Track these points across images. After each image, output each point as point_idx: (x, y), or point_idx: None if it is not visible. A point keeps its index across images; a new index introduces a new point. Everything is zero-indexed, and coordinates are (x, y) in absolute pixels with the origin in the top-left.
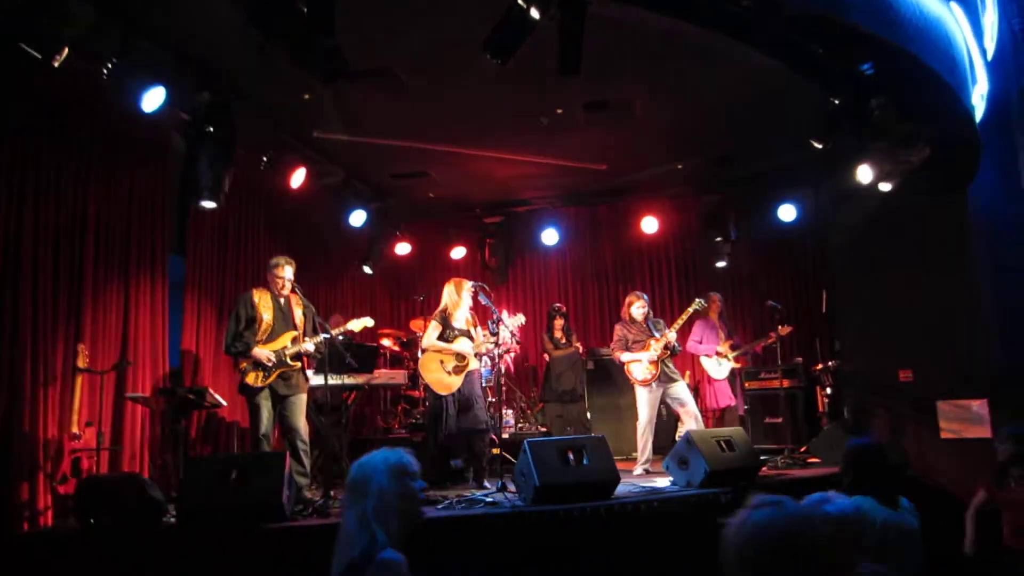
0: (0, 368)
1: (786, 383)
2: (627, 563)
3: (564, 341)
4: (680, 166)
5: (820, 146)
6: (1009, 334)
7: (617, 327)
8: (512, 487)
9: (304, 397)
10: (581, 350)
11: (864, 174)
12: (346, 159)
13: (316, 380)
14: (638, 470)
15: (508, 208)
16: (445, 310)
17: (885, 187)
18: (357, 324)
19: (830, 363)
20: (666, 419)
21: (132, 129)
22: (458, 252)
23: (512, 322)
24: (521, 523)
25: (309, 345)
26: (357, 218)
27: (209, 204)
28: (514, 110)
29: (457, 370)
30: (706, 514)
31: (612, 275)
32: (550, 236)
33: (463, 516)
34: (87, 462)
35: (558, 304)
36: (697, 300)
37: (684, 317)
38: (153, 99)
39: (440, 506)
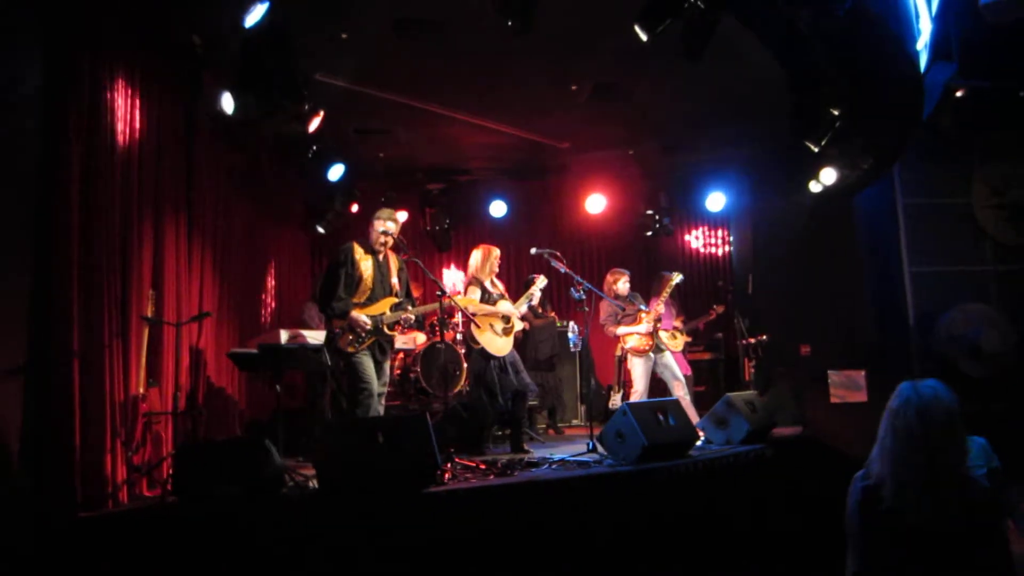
0: (74, 313)
1: (707, 355)
2: (705, 509)
3: (541, 311)
4: (632, 152)
5: (816, 149)
6: (881, 316)
7: (604, 304)
8: (600, 448)
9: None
10: (557, 320)
11: (827, 176)
12: (324, 107)
13: None
14: None
15: (451, 176)
16: (476, 275)
17: (815, 188)
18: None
19: (762, 337)
20: (595, 390)
21: (167, 48)
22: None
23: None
24: (637, 481)
25: (412, 316)
26: (335, 172)
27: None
28: (526, 82)
29: (506, 331)
30: (757, 467)
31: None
32: (497, 208)
33: (587, 476)
34: (154, 427)
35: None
36: (677, 273)
37: (667, 290)
38: (257, 12)
39: (553, 465)
